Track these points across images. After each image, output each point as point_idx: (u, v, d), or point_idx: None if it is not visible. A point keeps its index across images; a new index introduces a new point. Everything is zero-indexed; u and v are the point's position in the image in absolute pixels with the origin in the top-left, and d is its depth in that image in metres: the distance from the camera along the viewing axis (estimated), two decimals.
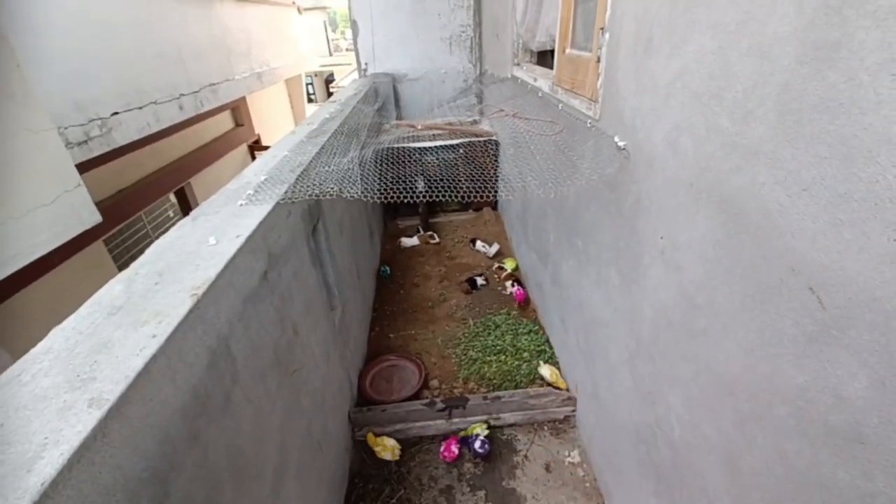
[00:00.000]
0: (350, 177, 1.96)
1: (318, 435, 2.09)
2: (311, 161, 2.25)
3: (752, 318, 1.19)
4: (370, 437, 2.69)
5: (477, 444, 2.60)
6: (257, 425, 1.47)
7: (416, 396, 3.04)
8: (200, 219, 1.66)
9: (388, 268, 4.87)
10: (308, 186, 1.89)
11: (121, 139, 5.27)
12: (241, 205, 1.78)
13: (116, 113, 5.20)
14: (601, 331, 2.30)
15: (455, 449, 2.61)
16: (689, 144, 1.42)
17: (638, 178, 1.78)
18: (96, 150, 4.93)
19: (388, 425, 2.76)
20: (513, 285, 4.17)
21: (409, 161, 3.23)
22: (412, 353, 3.43)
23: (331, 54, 17.07)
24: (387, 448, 2.62)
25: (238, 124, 9.36)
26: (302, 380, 1.94)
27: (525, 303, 3.87)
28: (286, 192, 1.87)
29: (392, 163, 2.67)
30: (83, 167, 4.79)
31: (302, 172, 2.08)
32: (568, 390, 2.95)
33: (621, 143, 1.89)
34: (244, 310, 1.45)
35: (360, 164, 2.12)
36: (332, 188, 1.86)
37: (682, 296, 1.52)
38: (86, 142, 4.87)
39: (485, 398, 2.80)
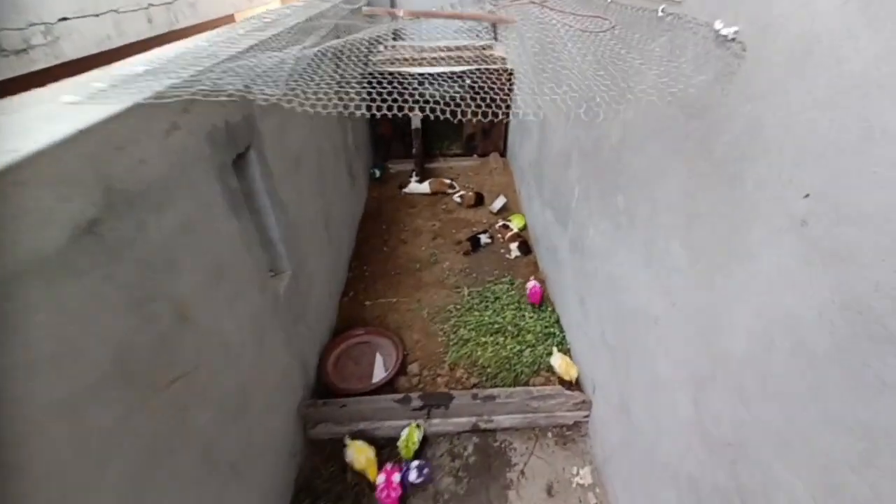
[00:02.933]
0: (274, 74, 1.19)
1: (232, 455, 1.47)
2: (235, 56, 1.47)
3: None
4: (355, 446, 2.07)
5: (412, 476, 1.97)
6: None
7: (389, 384, 2.44)
8: None
9: (377, 170, 4.42)
10: (198, 82, 1.14)
11: (72, 51, 4.38)
12: (68, 102, 1.03)
13: (66, 18, 4.29)
14: (645, 328, 1.61)
15: (396, 485, 1.92)
16: None
17: (759, 90, 1.02)
18: (40, 62, 4.07)
19: (349, 423, 2.17)
20: (520, 250, 3.47)
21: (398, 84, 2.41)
22: (389, 328, 2.80)
23: None
24: (367, 459, 2.01)
25: None
26: (197, 386, 1.29)
27: (541, 304, 2.94)
28: (162, 91, 1.12)
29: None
30: (28, 81, 3.98)
31: (211, 66, 1.31)
32: (579, 386, 2.33)
33: (728, 31, 1.11)
34: (19, 292, 0.76)
35: (297, 61, 1.34)
36: (232, 84, 1.10)
37: (846, 307, 0.81)
38: (25, 50, 4.00)
39: (474, 396, 2.18)
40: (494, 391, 2.22)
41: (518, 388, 2.27)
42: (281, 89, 1.10)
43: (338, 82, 1.23)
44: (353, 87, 1.21)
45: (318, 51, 1.37)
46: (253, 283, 1.67)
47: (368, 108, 1.16)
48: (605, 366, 2.03)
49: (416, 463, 2.01)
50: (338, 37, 1.75)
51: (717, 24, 1.15)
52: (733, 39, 1.10)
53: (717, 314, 1.20)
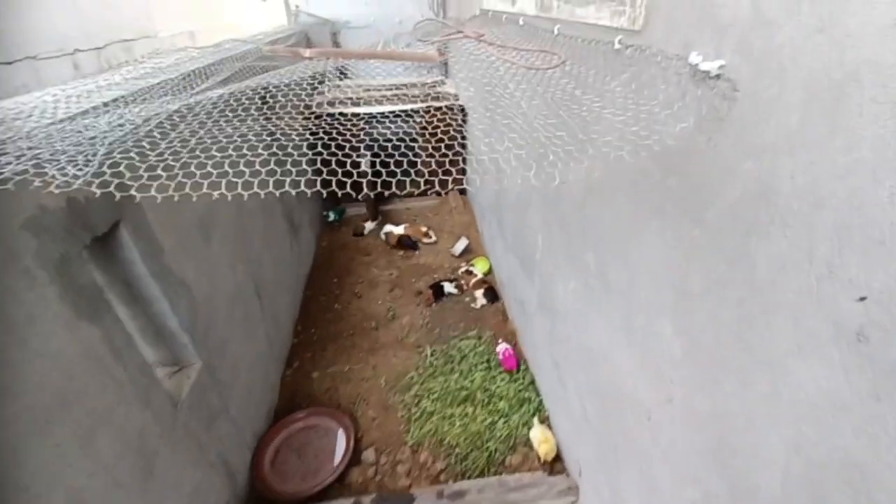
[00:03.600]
0: (95, 144, 0.86)
1: None
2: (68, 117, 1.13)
3: None
4: None
5: None
6: None
7: (340, 479, 2.03)
8: None
9: (331, 213, 4.18)
10: None
11: None
12: None
13: None
14: (635, 420, 1.31)
15: None
16: None
17: (765, 144, 0.76)
18: None
19: None
20: (486, 297, 3.16)
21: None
22: (340, 405, 2.40)
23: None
24: None
25: None
26: None
27: (517, 369, 2.55)
28: None
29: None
30: None
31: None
32: (561, 463, 2.00)
33: (710, 66, 0.86)
34: None
35: (146, 121, 1.01)
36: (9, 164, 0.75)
37: None
38: None
39: (440, 495, 1.82)
40: (464, 485, 1.86)
41: (492, 479, 1.91)
42: (94, 166, 0.75)
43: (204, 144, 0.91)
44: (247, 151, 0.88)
45: (182, 106, 1.05)
46: (128, 398, 1.27)
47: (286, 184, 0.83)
48: (591, 449, 1.71)
49: None
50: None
51: (694, 57, 0.90)
52: (718, 76, 0.86)
53: (731, 430, 0.90)
